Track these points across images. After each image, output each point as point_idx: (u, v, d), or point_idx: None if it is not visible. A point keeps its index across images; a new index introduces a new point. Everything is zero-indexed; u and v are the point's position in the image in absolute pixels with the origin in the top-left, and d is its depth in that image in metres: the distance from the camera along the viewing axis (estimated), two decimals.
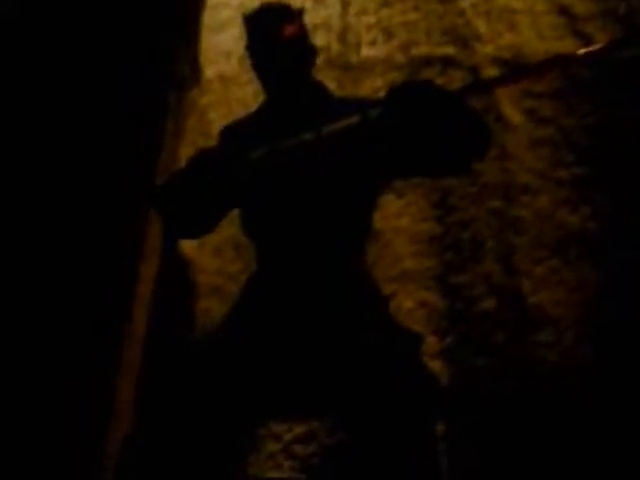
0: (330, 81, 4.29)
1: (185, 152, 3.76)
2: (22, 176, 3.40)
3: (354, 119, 2.35)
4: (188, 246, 3.54)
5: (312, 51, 2.66)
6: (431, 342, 3.13)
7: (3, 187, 3.41)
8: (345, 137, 2.35)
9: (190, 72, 4.07)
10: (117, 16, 3.73)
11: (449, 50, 4.20)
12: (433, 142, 2.32)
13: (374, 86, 4.04)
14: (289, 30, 2.51)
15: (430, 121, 2.27)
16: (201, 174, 2.47)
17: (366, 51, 4.27)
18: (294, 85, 2.58)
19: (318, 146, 2.38)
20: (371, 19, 4.39)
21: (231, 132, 2.74)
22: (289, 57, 2.53)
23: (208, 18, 4.41)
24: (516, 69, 3.15)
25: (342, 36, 4.34)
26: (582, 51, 2.33)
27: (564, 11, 4.18)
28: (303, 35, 2.58)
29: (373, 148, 2.45)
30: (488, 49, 4.22)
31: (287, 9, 2.57)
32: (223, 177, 2.46)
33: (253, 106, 2.91)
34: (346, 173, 2.51)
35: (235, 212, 2.68)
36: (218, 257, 3.55)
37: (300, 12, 2.60)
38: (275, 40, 2.51)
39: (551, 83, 3.86)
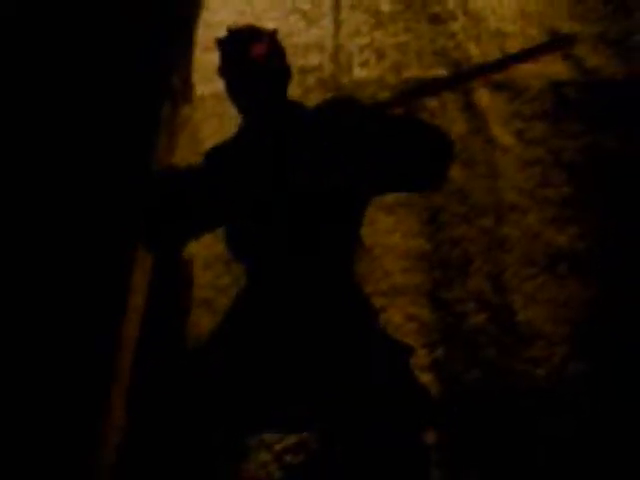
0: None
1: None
2: (15, 180, 3.41)
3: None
4: (180, 259, 3.55)
5: (284, 71, 2.60)
6: (421, 355, 3.14)
7: None
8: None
9: (182, 88, 4.09)
10: (115, 28, 3.75)
11: (440, 72, 4.25)
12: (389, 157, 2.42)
13: None
14: (256, 50, 2.51)
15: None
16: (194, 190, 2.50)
17: (358, 72, 4.31)
18: (265, 105, 2.56)
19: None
20: (363, 40, 4.44)
21: (214, 155, 2.71)
22: (257, 76, 2.52)
23: (202, 36, 4.45)
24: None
25: (334, 57, 4.38)
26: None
27: (554, 34, 4.24)
28: (272, 55, 2.55)
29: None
30: None
31: (255, 30, 2.57)
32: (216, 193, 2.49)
33: None
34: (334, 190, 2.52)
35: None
36: (208, 271, 3.56)
37: (272, 34, 2.58)
38: (243, 60, 2.50)
39: (541, 105, 3.91)
